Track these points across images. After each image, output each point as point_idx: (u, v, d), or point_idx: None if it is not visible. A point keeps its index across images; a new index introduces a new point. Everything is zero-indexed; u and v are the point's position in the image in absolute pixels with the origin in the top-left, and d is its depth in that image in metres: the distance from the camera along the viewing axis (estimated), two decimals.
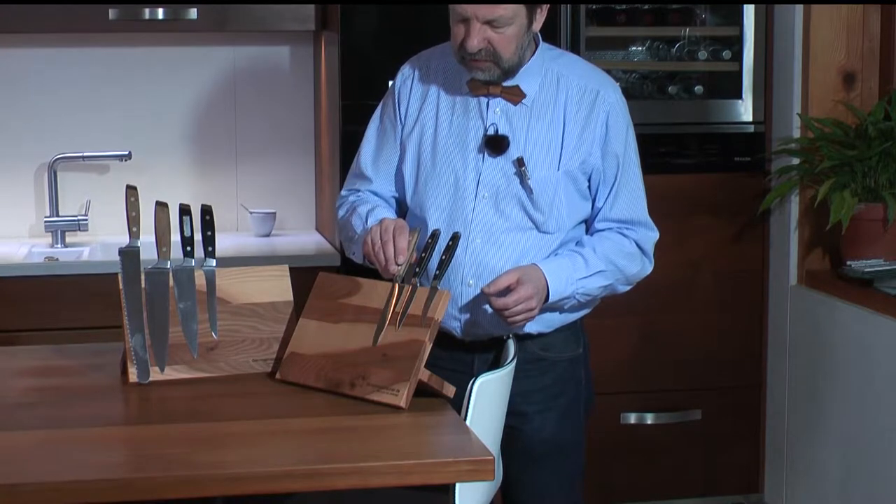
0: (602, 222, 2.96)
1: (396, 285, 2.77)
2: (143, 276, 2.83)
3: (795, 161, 4.18)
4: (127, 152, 4.39)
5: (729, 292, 4.37)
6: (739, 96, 4.33)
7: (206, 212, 2.87)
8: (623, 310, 4.09)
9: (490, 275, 2.86)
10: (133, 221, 2.84)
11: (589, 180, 2.94)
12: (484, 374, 2.71)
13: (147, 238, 2.85)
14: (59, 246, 4.34)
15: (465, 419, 2.62)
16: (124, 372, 2.84)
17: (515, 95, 2.90)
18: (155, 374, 2.82)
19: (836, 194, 3.96)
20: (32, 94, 4.42)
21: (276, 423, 2.57)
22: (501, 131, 2.91)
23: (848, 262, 4.03)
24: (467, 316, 2.92)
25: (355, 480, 2.34)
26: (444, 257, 2.80)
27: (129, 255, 2.83)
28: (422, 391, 2.67)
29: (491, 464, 2.37)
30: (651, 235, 2.99)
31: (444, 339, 2.86)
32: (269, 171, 4.57)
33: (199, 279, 2.86)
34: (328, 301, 2.85)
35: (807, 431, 4.17)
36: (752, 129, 4.34)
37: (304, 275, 3.08)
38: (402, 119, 3.00)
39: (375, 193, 3.05)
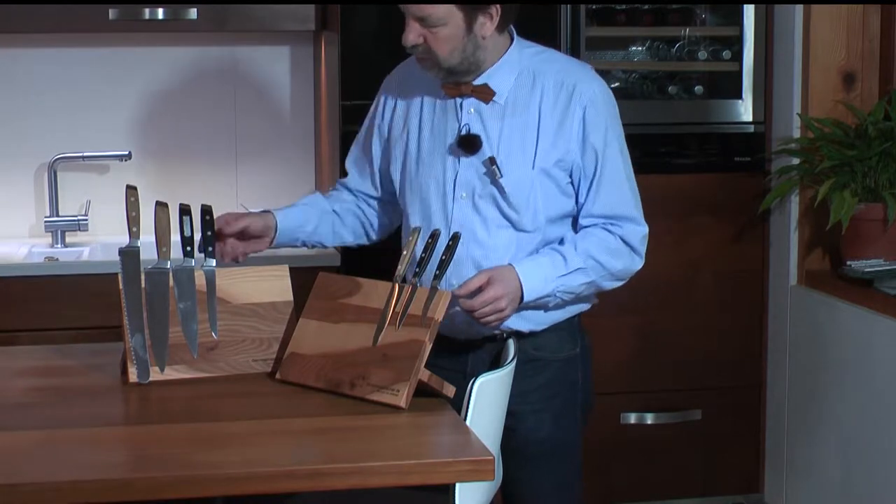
0: (586, 218, 2.94)
1: (396, 285, 2.77)
2: (143, 276, 2.83)
3: (795, 161, 4.17)
4: (127, 152, 4.39)
5: (729, 292, 4.37)
6: (739, 96, 4.32)
7: (206, 212, 2.87)
8: (623, 310, 4.10)
9: (471, 274, 2.86)
10: (133, 221, 2.84)
11: (571, 176, 2.93)
12: (484, 374, 2.71)
13: (147, 238, 2.85)
14: (59, 246, 4.33)
15: (464, 419, 2.62)
16: (124, 372, 2.84)
17: (486, 94, 2.91)
18: (155, 374, 2.82)
19: (836, 194, 3.96)
20: (32, 94, 4.41)
21: (276, 423, 2.57)
22: (474, 131, 2.91)
23: (848, 262, 4.02)
24: (451, 316, 2.91)
25: (355, 480, 2.34)
26: (444, 257, 2.80)
27: (129, 255, 2.83)
28: (422, 391, 2.67)
29: (491, 464, 2.37)
30: (638, 230, 2.95)
31: (437, 338, 2.86)
32: (269, 171, 4.57)
33: (199, 279, 2.86)
34: (328, 301, 2.86)
35: (807, 431, 4.17)
36: (752, 129, 4.34)
37: (304, 275, 3.08)
38: (389, 124, 3.05)
39: (349, 189, 3.16)
